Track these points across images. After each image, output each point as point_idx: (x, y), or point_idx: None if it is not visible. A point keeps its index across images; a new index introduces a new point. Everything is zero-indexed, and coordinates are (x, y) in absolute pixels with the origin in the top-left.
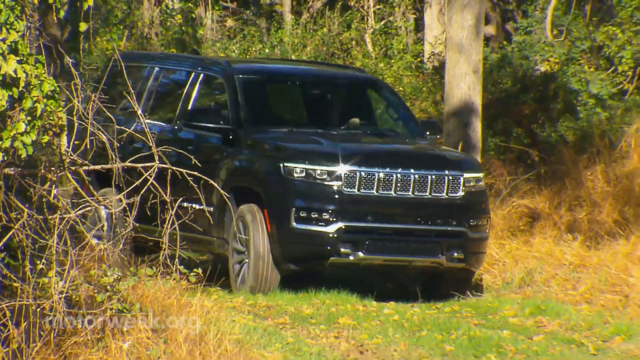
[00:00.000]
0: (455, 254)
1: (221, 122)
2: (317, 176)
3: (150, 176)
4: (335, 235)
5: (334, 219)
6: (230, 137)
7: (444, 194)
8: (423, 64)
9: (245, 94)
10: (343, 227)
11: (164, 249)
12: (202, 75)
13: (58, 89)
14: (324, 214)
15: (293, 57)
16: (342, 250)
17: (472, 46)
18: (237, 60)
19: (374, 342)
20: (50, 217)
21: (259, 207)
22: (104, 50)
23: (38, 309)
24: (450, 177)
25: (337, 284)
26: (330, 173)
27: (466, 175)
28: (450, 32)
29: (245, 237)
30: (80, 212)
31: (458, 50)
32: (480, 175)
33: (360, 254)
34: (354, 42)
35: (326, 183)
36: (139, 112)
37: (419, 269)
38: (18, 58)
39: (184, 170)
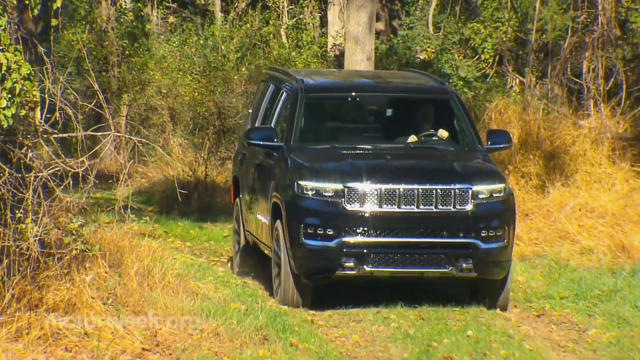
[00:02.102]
0: (465, 265)
1: (275, 140)
2: (324, 193)
3: (107, 143)
4: (337, 250)
5: (337, 234)
6: (277, 154)
7: (452, 207)
8: (327, 53)
9: (305, 111)
10: (345, 242)
11: (119, 202)
12: (283, 93)
13: (33, 72)
14: (328, 229)
15: (223, 47)
16: (346, 264)
17: (366, 39)
18: (314, 75)
19: None
20: (26, 175)
21: (281, 223)
22: (70, 42)
23: (17, 249)
24: (458, 190)
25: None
26: (334, 190)
27: (477, 187)
28: (348, 27)
29: (278, 252)
30: (51, 171)
31: (355, 42)
32: (497, 186)
33: (365, 268)
34: (271, 35)
35: (330, 200)
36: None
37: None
38: (0, 47)
39: (135, 138)
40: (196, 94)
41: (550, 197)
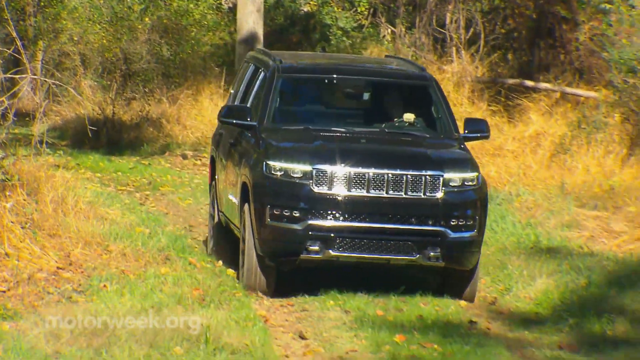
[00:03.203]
0: (432, 253)
1: (248, 119)
2: (292, 174)
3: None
4: (303, 233)
5: (303, 217)
6: (250, 133)
7: (422, 194)
8: (221, 5)
9: (281, 91)
10: (311, 224)
11: (35, 137)
12: (261, 73)
13: None
14: (294, 211)
15: None
16: (311, 247)
17: None
18: (293, 57)
19: (186, 202)
20: None
21: (248, 203)
22: None
23: None
24: (429, 177)
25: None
26: (302, 172)
27: (448, 175)
28: None
29: (244, 232)
30: None
31: None
32: (470, 175)
33: (330, 252)
34: None
35: (298, 182)
36: None
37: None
38: None
39: (49, 81)
40: (104, 41)
41: None
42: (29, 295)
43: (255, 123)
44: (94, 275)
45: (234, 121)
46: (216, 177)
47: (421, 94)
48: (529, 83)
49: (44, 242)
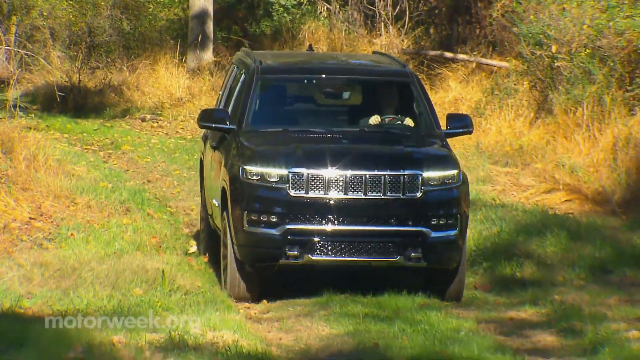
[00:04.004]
0: (413, 254)
1: (227, 122)
2: (268, 179)
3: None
4: (281, 238)
5: (280, 222)
6: (229, 137)
7: (401, 194)
8: None
9: (260, 93)
10: (289, 229)
11: (9, 102)
12: (242, 75)
13: None
14: (272, 216)
15: None
16: (290, 253)
17: None
18: (273, 57)
19: (144, 160)
20: None
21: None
22: None
23: None
24: (407, 177)
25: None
26: (278, 175)
27: (427, 174)
28: None
29: (225, 238)
30: None
31: None
32: (450, 172)
33: (310, 257)
34: None
35: (275, 186)
36: None
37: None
38: None
39: (22, 52)
40: (71, 16)
41: None
42: (4, 242)
43: (234, 127)
44: (63, 225)
45: (213, 125)
46: (204, 181)
47: (402, 90)
48: (448, 54)
49: (18, 195)
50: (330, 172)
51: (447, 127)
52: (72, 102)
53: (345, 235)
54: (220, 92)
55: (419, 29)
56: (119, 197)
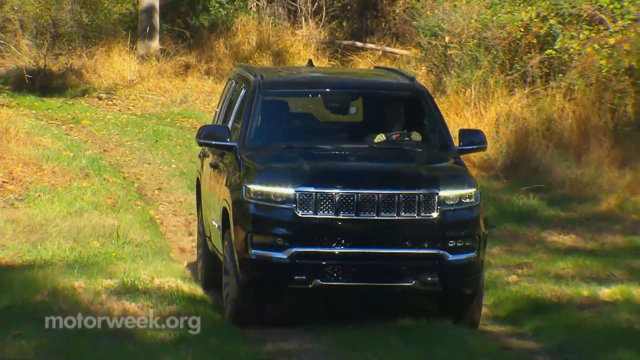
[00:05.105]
0: (430, 278)
1: (227, 139)
2: (274, 199)
3: None
4: (288, 262)
5: (287, 244)
6: (230, 155)
7: (416, 215)
8: None
9: (263, 108)
10: (296, 252)
11: None
12: (242, 89)
13: None
14: (278, 239)
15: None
16: (298, 277)
17: None
18: (275, 71)
19: (101, 133)
20: None
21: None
22: None
23: None
24: (423, 196)
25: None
26: (284, 195)
27: (443, 193)
28: None
29: (227, 262)
30: None
31: None
32: (467, 191)
33: (319, 281)
34: None
35: (281, 206)
36: None
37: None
38: None
39: None
40: (38, 10)
41: None
42: None
43: (235, 144)
44: (31, 188)
45: (213, 142)
46: (202, 201)
47: (412, 106)
48: (359, 44)
49: None
50: (340, 192)
51: (459, 144)
52: (39, 83)
53: (357, 259)
54: (217, 109)
55: (334, 22)
56: (79, 164)
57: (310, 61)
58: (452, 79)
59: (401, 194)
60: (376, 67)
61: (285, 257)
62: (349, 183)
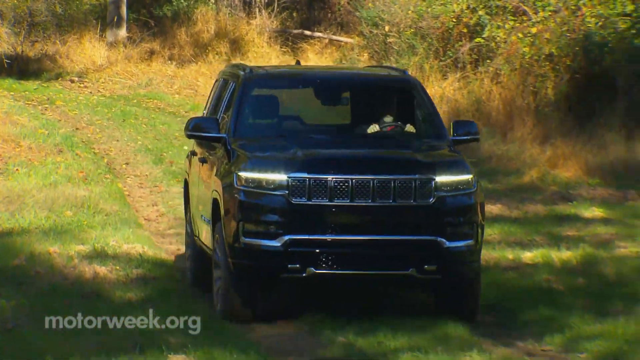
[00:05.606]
0: (427, 266)
1: (217, 131)
2: (266, 185)
3: None
4: (282, 250)
5: (281, 232)
6: (219, 146)
7: (412, 201)
8: None
9: (253, 99)
10: (290, 240)
11: None
12: (232, 83)
13: None
14: (271, 226)
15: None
16: (291, 266)
17: None
18: (266, 67)
19: (73, 113)
20: None
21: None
22: None
23: None
24: (419, 182)
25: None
26: (277, 182)
27: (440, 178)
28: None
29: (217, 253)
30: None
31: None
32: (464, 177)
33: (313, 270)
34: None
35: (273, 193)
36: None
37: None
38: None
39: None
40: (15, 1)
41: None
42: None
43: (224, 135)
44: (10, 162)
45: (202, 134)
46: (190, 201)
47: (405, 97)
48: (307, 32)
49: None
50: (334, 178)
51: (452, 134)
52: (16, 68)
53: (352, 246)
54: (205, 110)
55: (285, 13)
56: (53, 141)
57: (298, 62)
58: (391, 64)
59: (397, 179)
60: (367, 67)
61: (278, 244)
62: (344, 168)
